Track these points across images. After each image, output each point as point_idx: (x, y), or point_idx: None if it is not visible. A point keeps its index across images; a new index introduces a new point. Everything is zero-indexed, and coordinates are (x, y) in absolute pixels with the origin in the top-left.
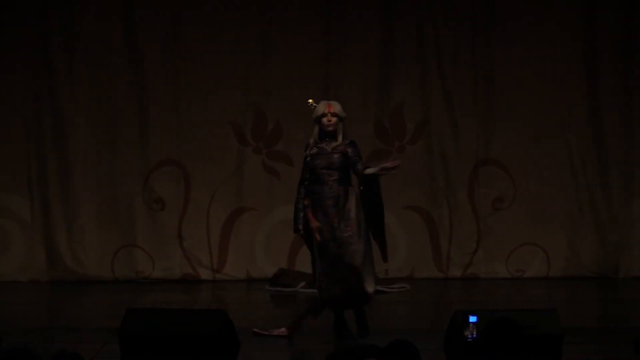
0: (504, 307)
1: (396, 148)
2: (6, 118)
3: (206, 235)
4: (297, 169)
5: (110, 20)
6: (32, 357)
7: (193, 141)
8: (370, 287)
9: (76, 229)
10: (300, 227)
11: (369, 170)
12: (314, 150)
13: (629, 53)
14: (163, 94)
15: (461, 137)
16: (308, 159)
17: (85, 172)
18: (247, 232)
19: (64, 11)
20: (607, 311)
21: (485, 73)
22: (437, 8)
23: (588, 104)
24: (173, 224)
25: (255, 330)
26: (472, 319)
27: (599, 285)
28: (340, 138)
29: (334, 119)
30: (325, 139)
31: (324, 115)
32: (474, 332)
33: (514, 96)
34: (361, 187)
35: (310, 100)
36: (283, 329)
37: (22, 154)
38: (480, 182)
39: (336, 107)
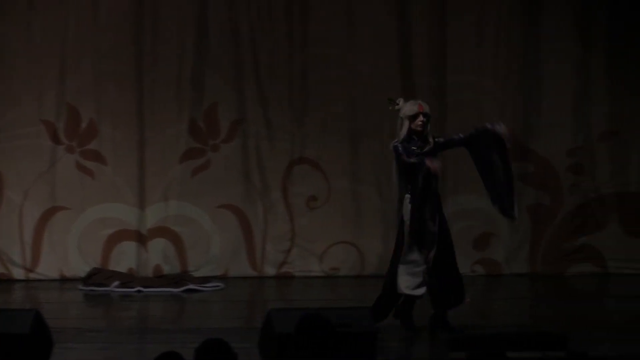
0: (318, 305)
1: (211, 147)
2: None
3: (19, 234)
4: (110, 167)
5: None
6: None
7: (5, 140)
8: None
9: None
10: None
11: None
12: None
13: (443, 54)
14: None
15: (276, 136)
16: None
17: None
18: (60, 232)
19: None
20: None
21: (300, 73)
22: (252, 7)
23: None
24: None
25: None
26: None
27: None
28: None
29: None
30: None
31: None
32: None
33: (329, 96)
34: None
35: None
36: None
37: None
38: (294, 181)
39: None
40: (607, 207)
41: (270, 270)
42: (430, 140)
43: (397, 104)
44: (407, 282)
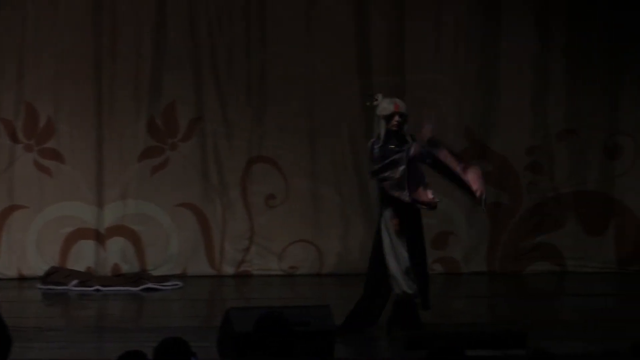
0: (276, 304)
1: (169, 145)
2: None
3: None
4: (68, 166)
5: None
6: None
7: None
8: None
9: None
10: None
11: None
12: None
13: (401, 53)
14: None
15: (234, 135)
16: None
17: None
18: (18, 230)
19: None
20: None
21: (259, 72)
22: (210, 6)
23: (361, 101)
24: None
25: None
26: None
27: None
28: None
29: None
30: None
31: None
32: None
33: (287, 95)
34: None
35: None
36: None
37: None
38: (253, 180)
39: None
40: (565, 205)
41: (229, 269)
42: (409, 139)
43: (376, 100)
44: (407, 282)
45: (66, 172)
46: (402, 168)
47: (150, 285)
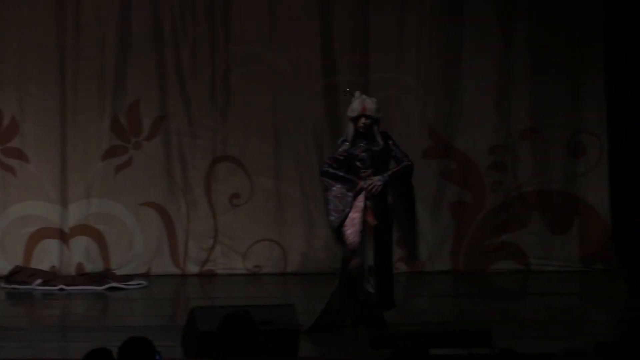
0: (241, 303)
1: (133, 144)
2: None
3: None
4: (32, 165)
5: None
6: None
7: None
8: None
9: None
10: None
11: None
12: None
13: (365, 53)
14: None
15: (198, 134)
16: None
17: None
18: None
19: None
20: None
21: (223, 70)
22: (175, 4)
23: (325, 100)
24: None
25: None
26: None
27: (333, 280)
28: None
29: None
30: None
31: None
32: None
33: (251, 93)
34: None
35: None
36: None
37: None
38: (217, 178)
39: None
40: (528, 204)
41: (193, 268)
42: (380, 141)
43: (352, 96)
44: (370, 281)
45: (30, 172)
46: (344, 194)
47: (114, 284)
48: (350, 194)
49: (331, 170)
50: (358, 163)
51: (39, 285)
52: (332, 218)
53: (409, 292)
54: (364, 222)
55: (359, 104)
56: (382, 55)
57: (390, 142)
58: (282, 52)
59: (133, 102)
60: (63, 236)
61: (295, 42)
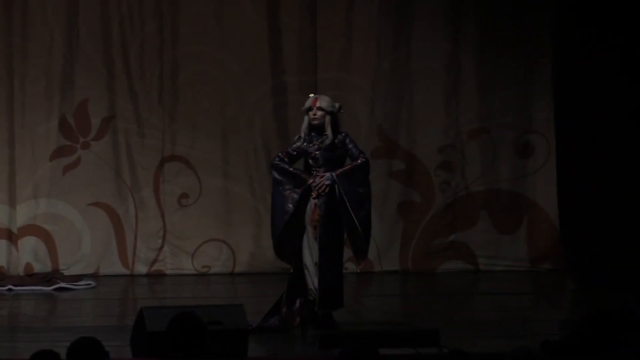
0: (190, 303)
1: (81, 144)
2: None
3: None
4: None
5: None
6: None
7: None
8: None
9: None
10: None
11: None
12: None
13: (312, 53)
14: None
15: (146, 133)
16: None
17: None
18: None
19: None
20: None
21: (171, 70)
22: (123, 4)
23: (273, 100)
24: None
25: None
26: None
27: (282, 280)
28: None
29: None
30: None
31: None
32: None
33: (200, 93)
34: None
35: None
36: None
37: None
38: (165, 178)
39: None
40: (477, 204)
41: (141, 268)
42: (330, 134)
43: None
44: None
45: None
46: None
47: (62, 284)
48: (297, 190)
49: (281, 165)
50: (311, 161)
51: None
52: (276, 223)
53: (358, 292)
54: (311, 220)
55: (312, 98)
56: (330, 55)
57: (347, 140)
58: (231, 52)
59: (81, 102)
60: (11, 236)
61: (243, 42)
